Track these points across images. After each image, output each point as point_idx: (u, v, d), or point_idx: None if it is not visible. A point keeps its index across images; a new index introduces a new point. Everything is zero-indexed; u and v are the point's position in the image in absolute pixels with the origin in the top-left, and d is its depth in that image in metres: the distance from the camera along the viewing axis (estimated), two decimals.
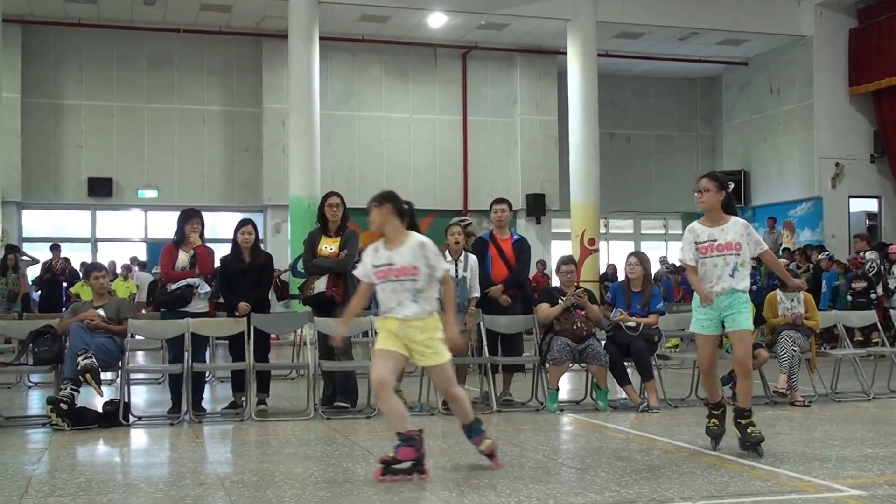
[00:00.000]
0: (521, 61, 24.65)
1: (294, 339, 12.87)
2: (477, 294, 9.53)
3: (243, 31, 22.55)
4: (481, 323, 9.59)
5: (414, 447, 6.04)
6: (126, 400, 8.80)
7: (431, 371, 6.37)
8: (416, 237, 6.20)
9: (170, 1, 20.60)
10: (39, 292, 19.31)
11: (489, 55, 24.45)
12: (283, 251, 19.81)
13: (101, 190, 21.97)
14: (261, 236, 13.59)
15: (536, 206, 24.33)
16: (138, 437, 8.23)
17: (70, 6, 20.67)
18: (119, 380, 8.99)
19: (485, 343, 9.56)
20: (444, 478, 6.11)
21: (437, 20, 22.06)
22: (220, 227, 20.89)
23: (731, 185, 8.40)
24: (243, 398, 9.28)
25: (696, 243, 6.87)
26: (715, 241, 6.80)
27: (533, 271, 19.50)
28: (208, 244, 9.71)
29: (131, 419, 8.73)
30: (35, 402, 10.45)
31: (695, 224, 6.97)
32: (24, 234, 21.83)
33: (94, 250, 22.45)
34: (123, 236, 23.12)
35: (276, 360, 11.43)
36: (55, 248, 20.13)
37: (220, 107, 23.03)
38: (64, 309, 15.57)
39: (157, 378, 11.93)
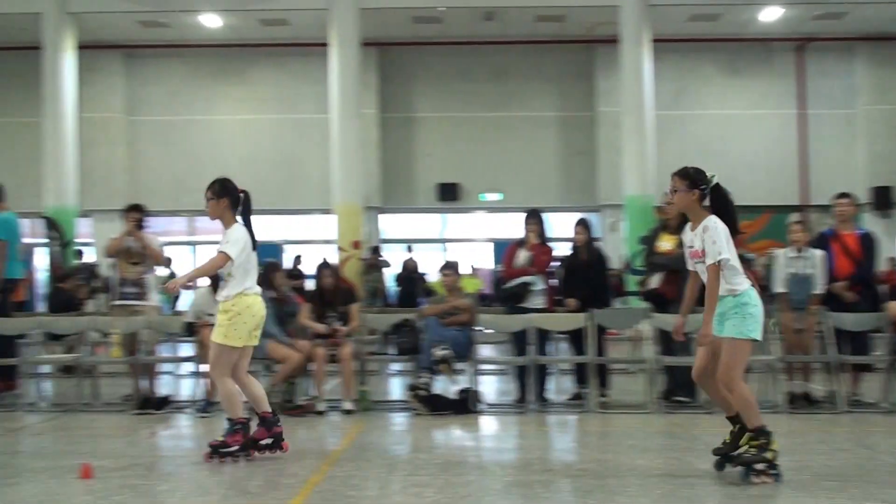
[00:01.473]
0: (862, 49, 23.02)
1: (633, 335, 12.81)
2: (820, 290, 9.02)
3: (576, 38, 22.76)
4: (827, 320, 9.05)
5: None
6: (476, 388, 9.17)
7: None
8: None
9: (507, 15, 21.22)
10: (399, 288, 20.57)
11: (826, 46, 23.04)
12: (619, 249, 19.78)
13: (448, 194, 23.06)
14: (597, 235, 13.63)
15: (883, 200, 22.61)
16: (488, 424, 8.54)
17: (419, 27, 21.85)
18: (470, 370, 9.36)
19: (832, 341, 9.01)
20: (791, 478, 5.82)
21: (770, 14, 21.12)
22: (558, 226, 21.21)
23: (715, 180, 6.02)
24: (585, 390, 9.37)
25: (687, 247, 6.12)
26: (692, 247, 6.02)
27: (883, 267, 18.09)
28: (549, 243, 9.88)
29: (481, 407, 9.07)
30: (396, 389, 11.13)
31: (687, 226, 6.13)
32: (382, 237, 23.35)
33: (445, 250, 23.56)
34: (470, 237, 24.08)
35: (615, 354, 11.42)
36: (409, 248, 21.44)
37: (554, 112, 23.44)
38: (420, 302, 16.49)
39: (504, 369, 12.31)
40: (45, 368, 11.60)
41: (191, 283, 7.01)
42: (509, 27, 22.03)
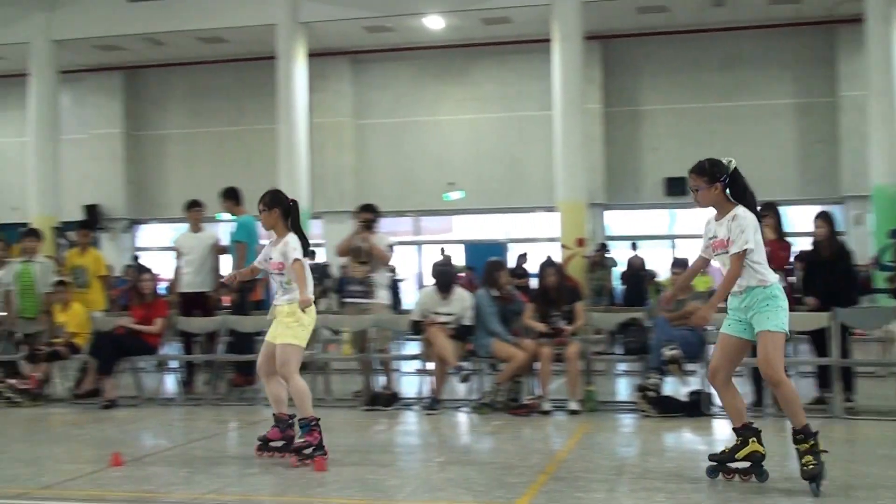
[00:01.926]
0: None
1: (882, 335, 12.03)
2: None
3: (815, 20, 21.67)
4: None
5: None
6: (709, 391, 8.89)
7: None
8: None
9: (738, 0, 20.48)
10: (625, 287, 20.30)
11: None
12: (865, 244, 18.65)
13: (677, 189, 22.51)
14: (840, 229, 12.90)
15: None
16: (722, 428, 8.25)
17: (644, 17, 21.47)
18: (702, 371, 9.09)
19: None
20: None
21: None
22: (796, 220, 20.28)
23: (733, 165, 5.96)
24: (828, 395, 8.89)
25: (708, 237, 6.03)
26: (715, 237, 5.93)
27: None
28: (787, 239, 9.45)
29: (714, 410, 8.79)
30: (623, 389, 10.98)
31: (710, 216, 6.04)
32: (607, 234, 23.12)
33: (673, 247, 23.04)
34: (700, 233, 23.37)
35: (862, 356, 10.78)
36: (634, 246, 21.13)
37: (791, 100, 22.40)
38: (646, 303, 16.18)
39: (739, 370, 11.86)
40: None
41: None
42: (740, 12, 21.25)
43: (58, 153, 21.03)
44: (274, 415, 7.08)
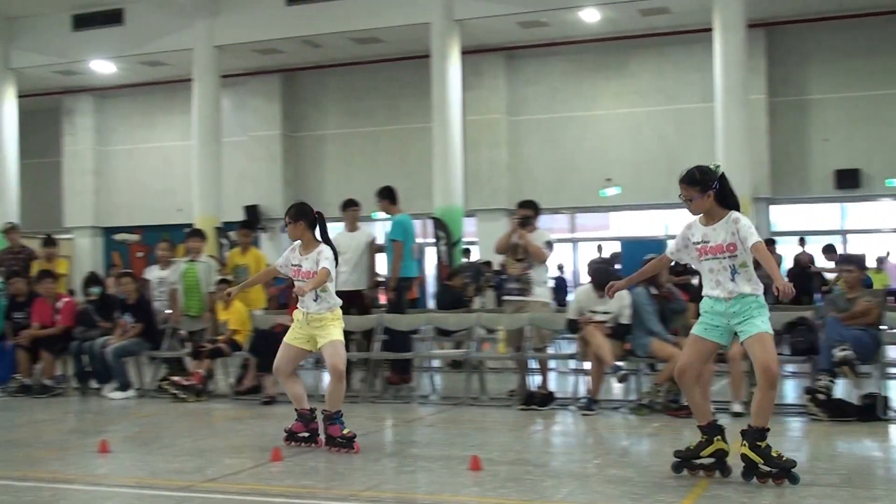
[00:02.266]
0: None
1: None
2: None
3: None
4: None
5: None
6: (885, 394, 8.49)
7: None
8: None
9: None
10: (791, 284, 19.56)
11: None
12: None
13: (848, 181, 21.58)
14: None
15: None
16: None
17: (812, 2, 20.65)
18: (876, 373, 8.69)
19: None
20: None
21: None
22: None
23: (720, 170, 6.04)
24: None
25: (693, 242, 6.09)
26: (708, 242, 5.99)
27: None
28: None
29: (891, 414, 8.39)
30: (791, 391, 10.60)
31: (693, 220, 6.13)
32: (772, 229, 22.36)
33: (844, 242, 22.10)
34: (874, 227, 22.40)
35: None
36: (802, 241, 20.35)
37: None
38: (816, 299, 15.64)
39: None
40: (436, 363, 12.36)
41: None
42: None
43: (219, 155, 21.87)
44: (296, 410, 7.56)
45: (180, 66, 22.91)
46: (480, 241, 22.27)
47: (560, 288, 20.32)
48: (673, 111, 22.69)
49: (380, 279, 12.05)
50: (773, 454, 5.79)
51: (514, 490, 5.84)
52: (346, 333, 11.25)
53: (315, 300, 7.40)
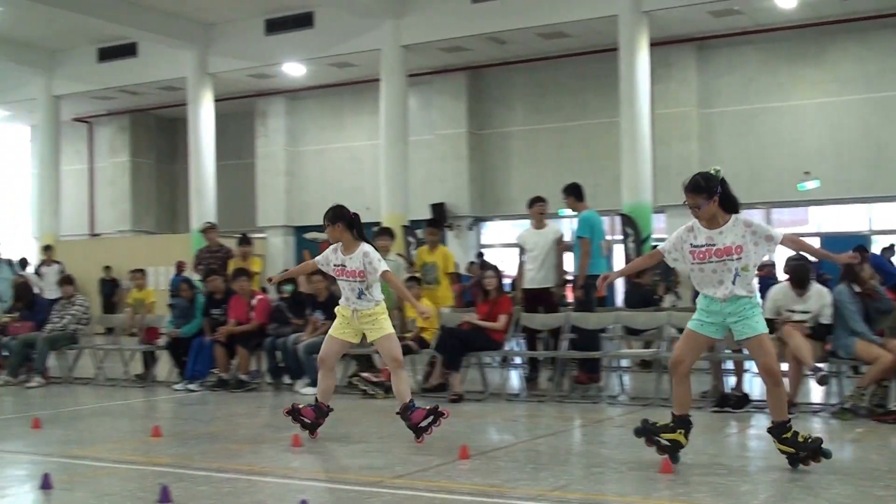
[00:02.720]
0: None
1: None
2: None
3: None
4: None
5: None
6: None
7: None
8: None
9: None
10: None
11: None
12: None
13: None
14: None
15: None
16: None
17: None
18: None
19: None
20: None
21: None
22: None
23: (721, 174, 6.36)
24: None
25: (692, 245, 6.39)
26: (714, 245, 6.29)
27: None
28: None
29: None
30: None
31: (695, 223, 6.45)
32: None
33: None
34: None
35: None
36: None
37: None
38: None
39: None
40: (625, 362, 12.21)
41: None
42: None
43: (406, 154, 22.28)
44: (318, 401, 8.07)
45: (368, 66, 23.50)
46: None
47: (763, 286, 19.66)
48: (877, 99, 21.57)
49: (567, 277, 12.00)
50: (800, 440, 6.23)
51: (708, 495, 5.69)
52: (533, 332, 11.37)
53: (359, 297, 7.86)
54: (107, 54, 26.09)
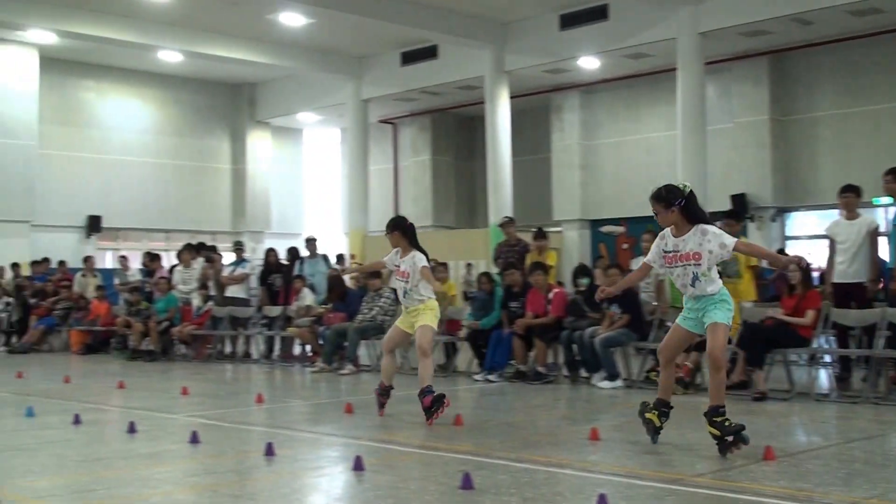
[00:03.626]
0: None
1: None
2: None
3: None
4: None
5: None
6: None
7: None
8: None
9: None
10: None
11: None
12: None
13: None
14: None
15: None
16: None
17: None
18: None
19: None
20: None
21: None
22: None
23: (688, 190, 6.95)
24: None
25: (664, 251, 7.08)
26: (678, 251, 6.96)
27: None
28: None
29: None
30: None
31: (666, 231, 7.09)
32: None
33: None
34: None
35: None
36: None
37: None
38: None
39: None
40: None
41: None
42: None
43: (704, 144, 21.66)
44: (382, 383, 9.23)
45: (663, 56, 23.10)
46: None
47: None
48: None
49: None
50: (727, 424, 6.73)
51: None
52: (845, 328, 10.71)
53: (404, 296, 9.06)
54: (409, 58, 27.26)
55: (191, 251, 18.26)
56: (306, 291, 16.06)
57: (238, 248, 18.50)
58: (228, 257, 18.83)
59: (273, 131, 33.43)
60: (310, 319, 15.29)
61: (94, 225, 28.98)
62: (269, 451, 7.02)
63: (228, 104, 32.57)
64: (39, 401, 10.51)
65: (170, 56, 26.77)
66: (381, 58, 27.93)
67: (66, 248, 26.97)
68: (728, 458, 6.72)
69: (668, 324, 11.89)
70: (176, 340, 17.31)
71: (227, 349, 17.14)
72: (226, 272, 17.65)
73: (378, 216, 31.29)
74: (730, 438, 6.74)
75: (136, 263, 22.07)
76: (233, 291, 17.24)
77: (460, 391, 12.06)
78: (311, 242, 18.32)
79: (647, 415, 7.40)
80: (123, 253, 24.20)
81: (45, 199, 27.59)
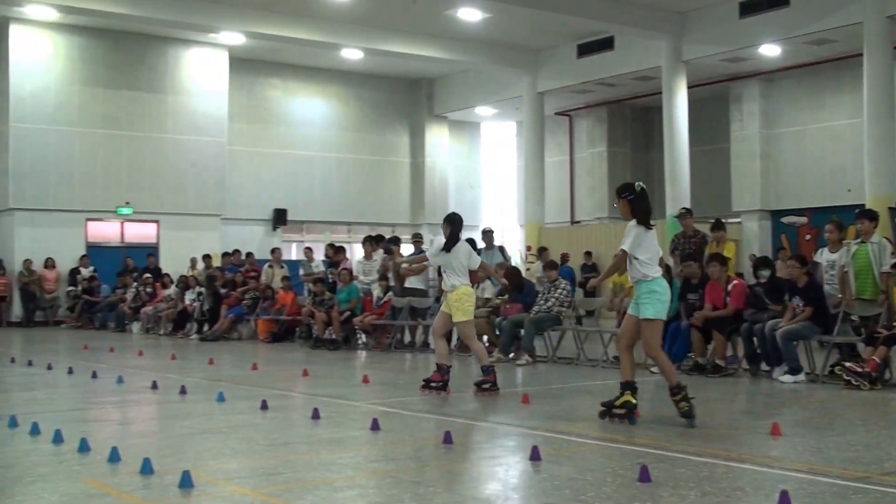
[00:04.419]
0: None
1: None
2: None
3: None
4: None
5: None
6: None
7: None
8: None
9: None
10: None
11: None
12: None
13: None
14: None
15: None
16: None
17: None
18: None
19: None
20: None
21: None
22: None
23: (640, 187, 8.20)
24: None
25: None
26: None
27: None
28: None
29: None
30: None
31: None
32: None
33: None
34: None
35: None
36: None
37: None
38: None
39: None
40: None
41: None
42: None
43: (893, 131, 20.61)
44: (438, 364, 10.39)
45: (848, 41, 22.18)
46: None
47: None
48: None
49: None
50: (683, 400, 7.93)
51: None
52: None
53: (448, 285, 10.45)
54: (585, 49, 27.12)
55: (372, 243, 18.71)
56: (487, 283, 16.21)
57: (417, 239, 18.85)
58: (408, 249, 19.19)
59: (450, 125, 33.89)
60: (487, 310, 15.43)
61: (280, 218, 30.17)
62: (447, 439, 7.15)
63: (407, 99, 33.21)
64: (229, 386, 11.02)
65: (351, 54, 27.52)
66: (556, 50, 27.88)
67: (253, 240, 28.25)
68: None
69: (853, 318, 11.43)
70: (357, 330, 17.79)
71: (406, 339, 17.48)
72: (405, 264, 18.01)
73: (554, 208, 31.33)
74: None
75: (319, 255, 22.82)
76: (411, 282, 17.56)
77: (637, 383, 11.92)
78: (487, 234, 18.50)
79: (620, 400, 8.08)
80: (308, 245, 25.03)
81: (234, 194, 28.94)
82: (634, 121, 32.42)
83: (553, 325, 14.35)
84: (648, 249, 7.96)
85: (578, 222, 32.62)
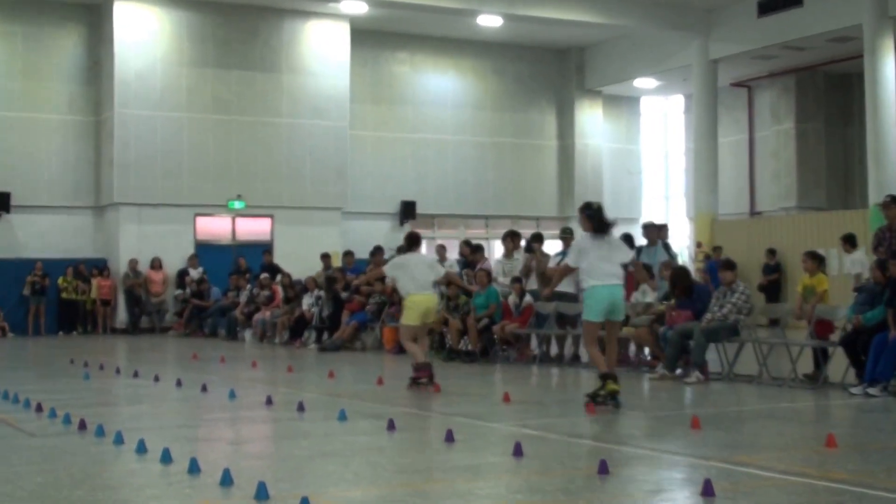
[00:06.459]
0: None
1: None
2: None
3: None
4: None
5: None
6: None
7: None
8: None
9: None
10: None
11: None
12: None
13: None
14: None
15: None
16: None
17: None
18: None
19: None
20: None
21: None
22: None
23: (595, 205, 11.16)
24: None
25: None
26: None
27: None
28: None
29: None
30: None
31: None
32: None
33: None
34: None
35: None
36: None
37: None
38: None
39: None
40: None
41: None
42: None
43: None
44: (418, 363, 12.62)
45: None
46: None
47: None
48: None
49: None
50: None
51: None
52: None
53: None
54: (768, 7, 26.45)
55: (514, 239, 18.65)
56: (646, 285, 15.95)
57: (566, 235, 18.70)
58: (555, 246, 19.05)
59: (605, 101, 33.61)
60: (649, 318, 15.18)
61: (408, 211, 30.41)
62: (603, 469, 7.06)
63: (554, 72, 33.09)
64: (352, 403, 11.16)
65: (489, 21, 27.54)
66: (733, 9, 27.32)
67: (378, 237, 28.28)
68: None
69: None
70: (497, 340, 17.76)
71: (553, 350, 17.39)
72: (552, 263, 17.84)
73: (730, 197, 30.69)
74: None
75: (453, 253, 22.89)
76: (560, 286, 17.42)
77: (833, 406, 11.57)
78: (649, 229, 18.18)
79: (606, 389, 10.52)
80: (440, 242, 25.13)
81: (356, 184, 29.30)
82: (829, 90, 31.45)
83: (729, 335, 14.01)
84: (583, 261, 11.00)
85: (759, 214, 31.87)
